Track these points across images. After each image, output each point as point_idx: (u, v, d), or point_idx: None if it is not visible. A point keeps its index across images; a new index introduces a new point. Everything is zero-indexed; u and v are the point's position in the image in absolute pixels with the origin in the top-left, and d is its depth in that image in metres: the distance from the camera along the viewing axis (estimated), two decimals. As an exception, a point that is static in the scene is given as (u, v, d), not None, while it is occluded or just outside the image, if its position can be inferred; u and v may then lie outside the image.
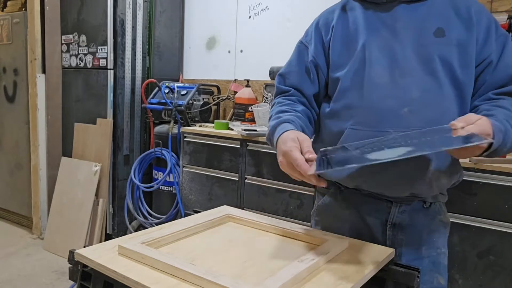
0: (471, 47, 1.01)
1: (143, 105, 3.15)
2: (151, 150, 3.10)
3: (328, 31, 1.13)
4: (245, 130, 2.46)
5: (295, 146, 0.90)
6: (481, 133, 0.81)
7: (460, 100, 1.03)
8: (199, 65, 3.55)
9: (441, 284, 1.09)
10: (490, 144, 0.87)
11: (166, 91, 3.07)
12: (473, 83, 1.03)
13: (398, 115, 1.00)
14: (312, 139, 1.05)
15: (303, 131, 1.03)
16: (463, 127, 0.81)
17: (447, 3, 1.04)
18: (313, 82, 1.15)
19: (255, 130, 2.46)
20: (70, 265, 0.91)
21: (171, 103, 2.94)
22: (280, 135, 0.98)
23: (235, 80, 3.28)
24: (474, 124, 0.82)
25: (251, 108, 2.82)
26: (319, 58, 1.14)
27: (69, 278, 0.92)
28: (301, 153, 0.89)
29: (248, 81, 3.07)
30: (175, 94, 3.03)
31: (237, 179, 2.54)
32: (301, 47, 1.19)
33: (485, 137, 0.81)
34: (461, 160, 1.93)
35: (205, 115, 3.15)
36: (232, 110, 3.21)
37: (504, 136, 0.89)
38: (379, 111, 1.02)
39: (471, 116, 0.85)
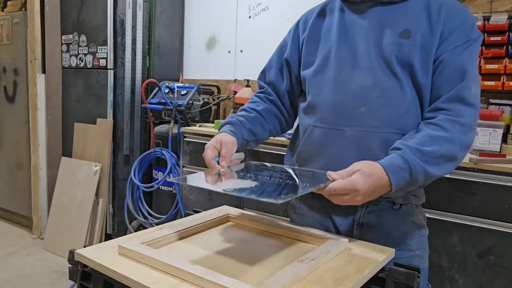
0: (434, 49, 1.00)
1: (143, 105, 3.14)
2: (151, 150, 3.10)
3: (305, 29, 1.18)
4: (245, 130, 2.45)
5: (213, 145, 1.04)
6: (345, 188, 0.86)
7: (420, 102, 1.03)
8: (199, 65, 3.55)
9: None
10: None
11: (166, 91, 3.07)
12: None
13: (355, 114, 1.02)
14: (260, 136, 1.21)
15: (249, 130, 1.16)
16: (335, 179, 0.88)
17: (423, 4, 1.04)
18: (285, 80, 1.23)
19: (255, 130, 2.45)
20: (70, 265, 0.91)
21: (171, 103, 2.94)
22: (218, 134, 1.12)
23: (235, 80, 3.28)
24: (345, 180, 0.87)
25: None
26: (293, 56, 1.20)
27: (69, 278, 0.92)
28: (219, 153, 1.04)
29: (248, 81, 3.06)
30: (175, 94, 3.03)
31: (237, 179, 2.53)
32: (283, 43, 1.26)
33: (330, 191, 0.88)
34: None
35: (205, 115, 3.15)
36: (232, 110, 3.21)
37: (410, 173, 0.91)
38: (337, 109, 1.05)
39: (353, 166, 0.90)
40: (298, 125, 1.24)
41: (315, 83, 1.11)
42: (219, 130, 1.16)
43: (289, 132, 2.40)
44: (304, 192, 0.89)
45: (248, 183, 0.93)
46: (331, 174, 0.89)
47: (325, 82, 1.08)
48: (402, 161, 0.91)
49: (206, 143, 1.09)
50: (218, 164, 1.02)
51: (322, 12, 1.17)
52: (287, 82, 1.22)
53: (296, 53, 1.19)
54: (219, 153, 1.04)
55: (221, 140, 1.05)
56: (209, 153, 1.02)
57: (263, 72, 1.29)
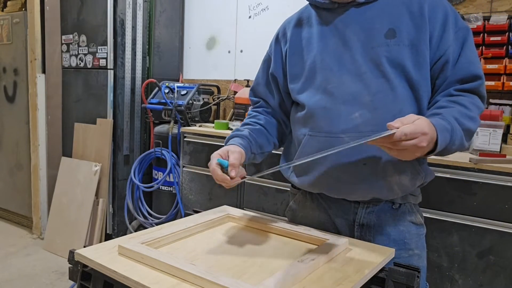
0: (423, 46, 1.00)
1: (143, 105, 3.15)
2: (151, 150, 3.10)
3: (286, 42, 1.17)
4: (245, 130, 2.45)
5: (219, 154, 1.01)
6: (415, 131, 0.82)
7: (415, 100, 1.03)
8: (199, 65, 3.55)
9: None
10: (436, 145, 0.88)
11: (166, 91, 3.07)
12: (428, 82, 1.03)
13: (349, 120, 1.02)
14: (271, 146, 1.22)
15: (256, 143, 1.15)
16: (398, 127, 0.82)
17: (400, 1, 1.03)
18: (273, 94, 1.23)
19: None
20: (70, 265, 0.91)
21: (171, 103, 2.94)
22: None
23: (235, 80, 3.28)
24: (412, 124, 0.83)
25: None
26: (277, 70, 1.20)
27: (69, 278, 0.92)
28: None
29: (248, 81, 3.07)
30: (175, 94, 3.03)
31: (237, 179, 2.53)
32: (266, 58, 1.26)
33: (408, 135, 0.82)
34: (460, 160, 1.93)
35: (205, 115, 3.15)
36: (232, 110, 3.21)
37: (451, 135, 0.91)
38: (331, 117, 1.04)
39: (411, 117, 0.85)
40: (289, 134, 1.24)
41: (305, 95, 1.10)
42: (226, 143, 1.13)
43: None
44: (375, 137, 0.82)
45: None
46: (391, 124, 0.83)
47: (314, 93, 1.08)
48: (446, 123, 0.91)
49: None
50: (226, 172, 0.97)
51: (299, 23, 1.16)
52: (277, 96, 1.22)
53: (280, 67, 1.19)
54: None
55: (228, 150, 1.02)
56: (214, 162, 0.98)
57: (253, 90, 1.29)
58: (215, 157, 1.00)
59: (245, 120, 1.25)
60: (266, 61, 1.25)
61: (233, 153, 1.01)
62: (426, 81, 1.03)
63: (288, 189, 2.32)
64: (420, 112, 1.03)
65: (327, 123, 1.05)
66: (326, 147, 1.03)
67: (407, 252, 1.09)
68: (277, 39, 1.22)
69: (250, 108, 1.33)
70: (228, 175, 0.96)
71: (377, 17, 1.03)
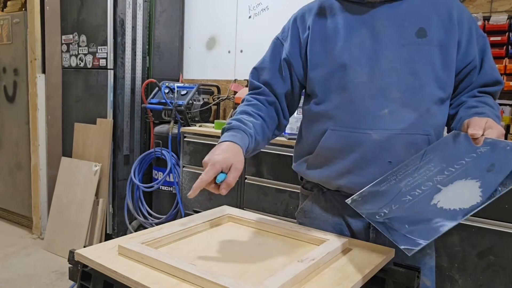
0: (451, 49, 1.02)
1: (143, 105, 3.14)
2: (151, 150, 3.10)
3: (305, 29, 1.12)
4: (245, 130, 2.45)
5: (221, 165, 0.91)
6: (498, 135, 0.86)
7: (441, 100, 1.04)
8: (199, 65, 3.55)
9: (427, 286, 1.08)
10: None
11: (166, 91, 3.07)
12: (452, 83, 1.06)
13: (377, 116, 1.01)
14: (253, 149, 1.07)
15: (255, 142, 1.06)
16: (482, 135, 0.85)
17: (427, 2, 1.04)
18: (284, 80, 1.15)
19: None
20: (70, 265, 0.91)
21: (171, 103, 2.94)
22: (227, 141, 0.98)
23: (235, 80, 3.28)
24: (493, 129, 0.86)
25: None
26: (294, 56, 1.13)
27: (69, 278, 0.92)
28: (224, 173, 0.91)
29: (248, 81, 3.06)
30: (175, 94, 3.03)
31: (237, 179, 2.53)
32: (277, 43, 1.19)
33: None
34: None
35: (205, 115, 3.15)
36: (232, 110, 3.21)
37: None
38: (358, 112, 1.02)
39: (481, 120, 0.88)
40: (301, 128, 1.20)
41: (330, 85, 1.06)
42: (226, 131, 1.04)
43: (288, 132, 2.41)
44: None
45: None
46: (474, 132, 0.85)
47: (341, 84, 1.04)
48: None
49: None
50: (218, 186, 0.91)
51: (321, 11, 1.11)
52: (287, 83, 1.15)
53: (297, 53, 1.12)
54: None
55: (232, 165, 0.93)
56: (212, 173, 0.89)
57: (257, 71, 1.20)
58: (217, 168, 0.90)
59: (244, 107, 1.13)
60: (278, 46, 1.18)
61: (236, 170, 0.92)
62: (451, 82, 1.05)
63: (288, 189, 2.32)
64: (443, 113, 1.06)
65: (354, 119, 1.02)
66: (352, 142, 1.03)
67: (420, 251, 1.09)
68: (294, 24, 1.15)
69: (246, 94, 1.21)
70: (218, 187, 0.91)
71: (407, 14, 1.03)
